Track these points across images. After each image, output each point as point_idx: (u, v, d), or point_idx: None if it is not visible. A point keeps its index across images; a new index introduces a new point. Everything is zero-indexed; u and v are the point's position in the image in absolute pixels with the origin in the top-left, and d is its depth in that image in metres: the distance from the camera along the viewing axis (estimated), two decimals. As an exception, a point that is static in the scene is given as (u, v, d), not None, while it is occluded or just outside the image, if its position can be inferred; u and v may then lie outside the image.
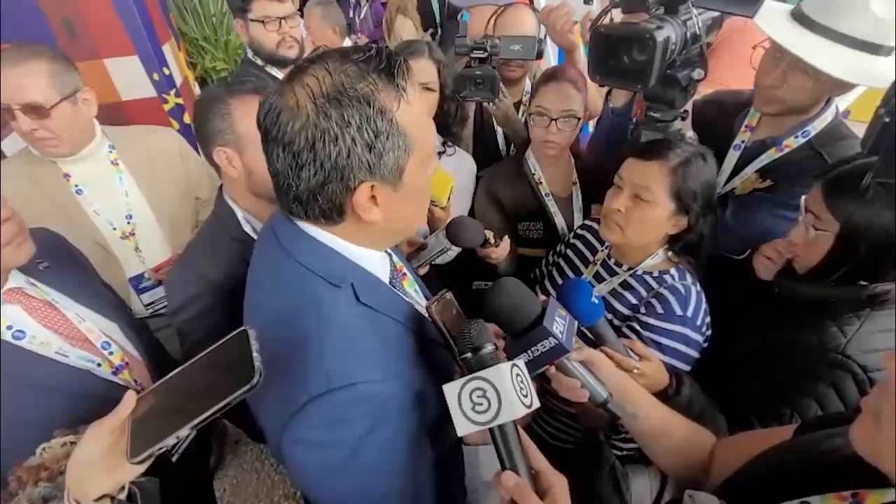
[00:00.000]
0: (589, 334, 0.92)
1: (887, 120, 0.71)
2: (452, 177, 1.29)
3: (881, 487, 0.50)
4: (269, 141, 0.63)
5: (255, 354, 0.59)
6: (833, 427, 0.63)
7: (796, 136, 1.18)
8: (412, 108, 0.64)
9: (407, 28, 4.44)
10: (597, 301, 0.87)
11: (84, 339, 0.99)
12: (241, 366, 0.59)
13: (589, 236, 1.29)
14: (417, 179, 0.68)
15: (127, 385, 1.02)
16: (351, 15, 4.39)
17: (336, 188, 0.63)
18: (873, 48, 1.01)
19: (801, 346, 0.92)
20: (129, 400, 0.68)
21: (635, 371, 0.87)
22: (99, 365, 0.99)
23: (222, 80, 4.24)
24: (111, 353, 1.02)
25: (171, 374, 0.68)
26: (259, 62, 1.83)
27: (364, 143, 0.60)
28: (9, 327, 0.89)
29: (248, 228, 1.12)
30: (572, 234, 1.37)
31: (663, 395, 0.90)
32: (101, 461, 0.65)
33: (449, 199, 1.29)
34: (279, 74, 1.84)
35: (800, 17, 1.07)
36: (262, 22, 1.72)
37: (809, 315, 0.94)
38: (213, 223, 1.17)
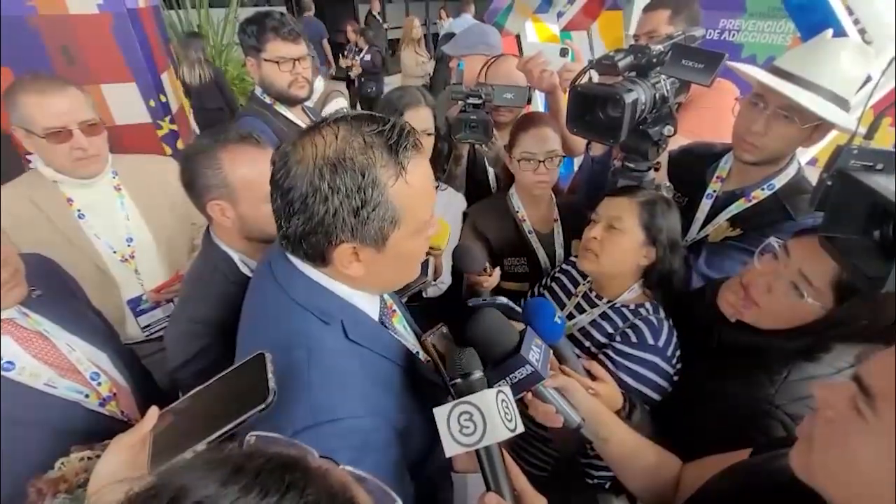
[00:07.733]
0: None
1: (829, 183, 0.82)
2: (449, 224, 1.36)
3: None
4: (273, 182, 0.69)
5: (270, 376, 0.64)
6: (783, 448, 0.70)
7: (762, 189, 1.29)
8: (410, 186, 0.67)
9: (417, 58, 5.50)
10: (559, 321, 0.92)
11: (73, 369, 0.99)
12: (256, 387, 0.63)
13: (573, 271, 1.38)
14: (404, 247, 0.72)
15: (113, 416, 1.02)
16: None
17: (320, 240, 0.68)
18: (842, 102, 1.14)
19: (733, 394, 0.94)
20: (152, 415, 0.72)
21: (590, 391, 0.91)
22: (87, 396, 0.98)
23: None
24: (99, 384, 1.02)
25: (190, 393, 0.73)
26: (268, 100, 1.84)
27: (350, 209, 0.65)
28: None
29: (245, 270, 1.10)
30: (557, 268, 1.45)
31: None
32: (123, 473, 0.69)
33: (447, 243, 1.35)
34: (288, 112, 1.86)
35: (777, 72, 1.19)
36: (277, 63, 1.74)
37: (742, 363, 0.96)
38: (207, 269, 1.11)
